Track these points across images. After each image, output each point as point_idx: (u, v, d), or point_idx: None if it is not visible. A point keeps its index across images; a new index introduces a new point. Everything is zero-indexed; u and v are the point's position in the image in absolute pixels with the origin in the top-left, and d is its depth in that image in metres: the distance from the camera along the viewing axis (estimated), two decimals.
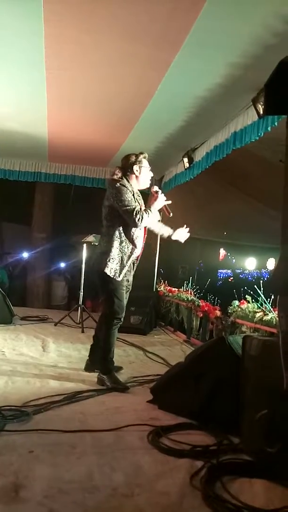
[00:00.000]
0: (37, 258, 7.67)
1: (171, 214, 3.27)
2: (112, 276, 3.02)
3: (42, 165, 6.33)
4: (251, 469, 1.82)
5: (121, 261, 3.06)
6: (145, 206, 3.17)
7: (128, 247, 3.09)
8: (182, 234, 3.42)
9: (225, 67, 3.11)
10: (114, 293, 3.05)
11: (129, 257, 3.10)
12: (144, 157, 3.16)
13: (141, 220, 2.97)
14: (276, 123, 3.15)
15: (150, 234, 3.47)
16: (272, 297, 3.38)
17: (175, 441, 2.06)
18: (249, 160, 5.63)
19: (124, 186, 3.03)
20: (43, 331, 5.00)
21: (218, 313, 4.49)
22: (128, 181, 3.11)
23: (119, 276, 3.05)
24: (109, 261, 3.01)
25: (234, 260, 9.83)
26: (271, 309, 3.44)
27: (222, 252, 9.59)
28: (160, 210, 3.24)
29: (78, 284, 5.89)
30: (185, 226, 3.41)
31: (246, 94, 3.36)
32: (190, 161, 5.02)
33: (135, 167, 3.12)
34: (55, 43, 3.01)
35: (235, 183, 7.09)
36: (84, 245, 5.73)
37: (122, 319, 3.16)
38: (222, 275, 9.98)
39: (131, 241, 3.10)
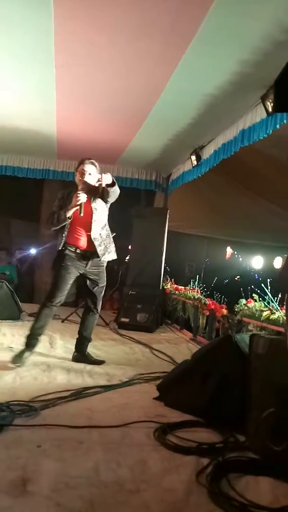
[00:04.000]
0: (44, 255, 7.71)
1: (82, 214, 3.35)
2: None
3: (50, 162, 6.35)
4: (257, 467, 1.82)
5: None
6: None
7: None
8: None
9: (235, 64, 3.10)
10: None
11: None
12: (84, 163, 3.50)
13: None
14: (285, 121, 3.13)
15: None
16: (279, 295, 3.37)
17: (182, 438, 2.06)
18: (257, 158, 5.60)
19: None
20: (50, 328, 4.97)
21: (224, 311, 4.48)
22: None
23: None
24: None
25: (241, 259, 9.78)
26: (278, 307, 3.42)
27: (229, 250, 9.54)
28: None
29: None
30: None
31: (255, 91, 3.34)
32: (198, 159, 5.01)
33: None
34: (64, 40, 3.02)
35: (242, 181, 7.05)
36: None
37: None
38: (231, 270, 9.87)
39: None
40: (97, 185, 3.46)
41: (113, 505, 1.50)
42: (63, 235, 3.44)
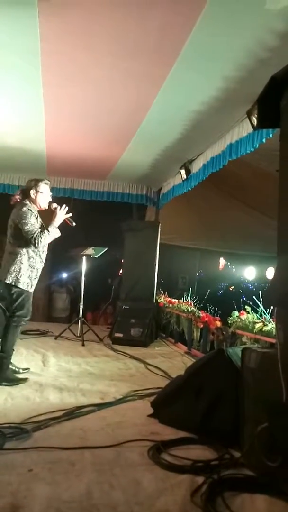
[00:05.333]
0: None
1: (74, 223, 3.64)
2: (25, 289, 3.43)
3: None
4: (252, 484, 1.80)
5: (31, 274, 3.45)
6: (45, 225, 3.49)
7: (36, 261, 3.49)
8: (60, 217, 3.52)
9: (220, 81, 3.16)
10: None
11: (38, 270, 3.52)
12: (45, 183, 3.54)
13: (39, 242, 3.35)
14: (271, 135, 3.18)
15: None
16: (272, 307, 3.37)
17: (176, 456, 2.03)
18: (246, 171, 5.66)
19: (30, 209, 3.42)
20: (43, 345, 4.97)
21: (218, 323, 4.47)
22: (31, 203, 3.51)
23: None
24: (22, 275, 3.38)
25: (234, 269, 9.81)
26: (270, 319, 3.42)
27: (222, 261, 9.58)
28: (63, 223, 3.56)
29: (79, 296, 5.87)
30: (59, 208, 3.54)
31: (241, 106, 3.40)
32: (188, 172, 5.06)
33: (32, 191, 3.48)
34: (51, 60, 3.06)
35: (233, 193, 7.12)
36: (84, 258, 5.73)
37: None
38: (223, 285, 9.94)
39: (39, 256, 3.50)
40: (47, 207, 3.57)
41: None
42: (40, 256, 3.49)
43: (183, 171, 5.10)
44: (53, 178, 6.37)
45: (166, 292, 6.76)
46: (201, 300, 5.87)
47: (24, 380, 3.33)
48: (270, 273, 7.70)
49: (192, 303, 5.67)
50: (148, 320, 5.65)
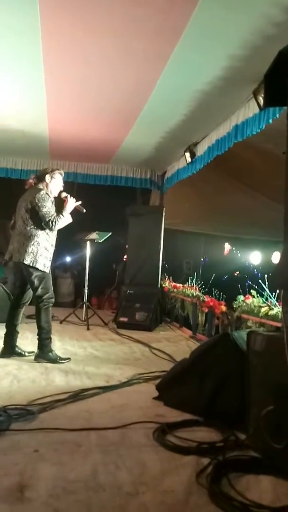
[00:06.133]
0: None
1: (84, 210, 3.76)
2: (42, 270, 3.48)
3: (43, 163, 6.29)
4: (258, 465, 1.80)
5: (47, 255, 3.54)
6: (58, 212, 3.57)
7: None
8: (71, 204, 3.64)
9: (225, 59, 3.08)
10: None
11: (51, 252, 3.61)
12: (60, 173, 3.67)
13: (55, 225, 3.47)
14: (277, 115, 3.11)
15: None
16: (277, 291, 3.35)
17: (181, 438, 2.04)
18: (252, 153, 5.57)
19: (47, 194, 3.53)
20: None
21: (223, 308, 4.46)
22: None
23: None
24: (39, 256, 3.45)
25: (239, 254, 9.76)
26: (276, 303, 3.41)
27: (227, 246, 9.53)
28: (73, 210, 3.65)
29: (83, 281, 5.88)
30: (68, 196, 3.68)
31: (247, 86, 3.32)
32: (192, 155, 4.99)
33: (47, 176, 3.58)
34: (52, 39, 2.99)
35: (238, 176, 7.02)
36: (88, 242, 5.72)
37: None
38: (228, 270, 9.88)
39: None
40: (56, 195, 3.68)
41: (112, 509, 1.48)
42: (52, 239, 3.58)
43: (187, 154, 5.03)
44: (56, 162, 6.33)
45: (170, 277, 6.75)
46: (206, 284, 5.86)
47: (66, 359, 3.49)
48: (275, 257, 7.65)
49: (197, 288, 5.66)
50: (153, 304, 5.65)
